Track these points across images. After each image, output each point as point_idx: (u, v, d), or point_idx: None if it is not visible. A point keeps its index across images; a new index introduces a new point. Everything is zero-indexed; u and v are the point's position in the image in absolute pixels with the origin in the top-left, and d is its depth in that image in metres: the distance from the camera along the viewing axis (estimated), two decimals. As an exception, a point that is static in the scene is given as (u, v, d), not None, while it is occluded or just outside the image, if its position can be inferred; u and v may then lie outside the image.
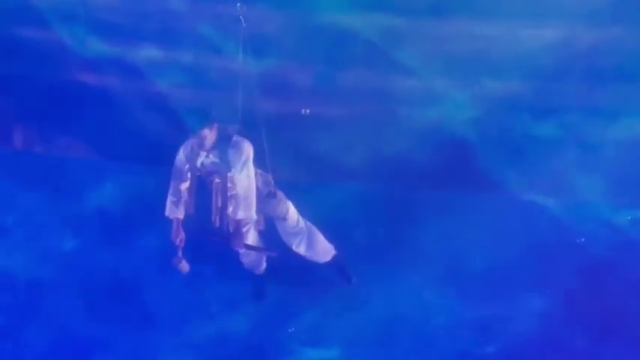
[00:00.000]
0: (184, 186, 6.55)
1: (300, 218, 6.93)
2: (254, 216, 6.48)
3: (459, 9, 7.02)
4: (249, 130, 6.45)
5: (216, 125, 6.36)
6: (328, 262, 7.13)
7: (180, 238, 6.53)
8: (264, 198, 6.63)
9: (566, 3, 7.01)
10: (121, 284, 7.39)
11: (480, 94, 7.28)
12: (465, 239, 7.24)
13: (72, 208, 7.63)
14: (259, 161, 6.51)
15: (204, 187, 6.52)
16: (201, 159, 6.49)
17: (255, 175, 6.50)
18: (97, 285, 7.36)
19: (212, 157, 6.45)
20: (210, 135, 6.35)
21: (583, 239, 7.20)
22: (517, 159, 7.41)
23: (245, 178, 6.38)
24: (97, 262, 7.43)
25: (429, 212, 7.37)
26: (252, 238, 6.71)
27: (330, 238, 7.05)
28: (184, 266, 6.54)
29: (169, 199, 6.56)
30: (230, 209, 6.48)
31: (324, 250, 7.08)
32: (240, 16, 6.32)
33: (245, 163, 6.37)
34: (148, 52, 7.36)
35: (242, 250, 6.68)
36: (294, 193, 6.80)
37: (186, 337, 7.17)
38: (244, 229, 6.50)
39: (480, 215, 7.26)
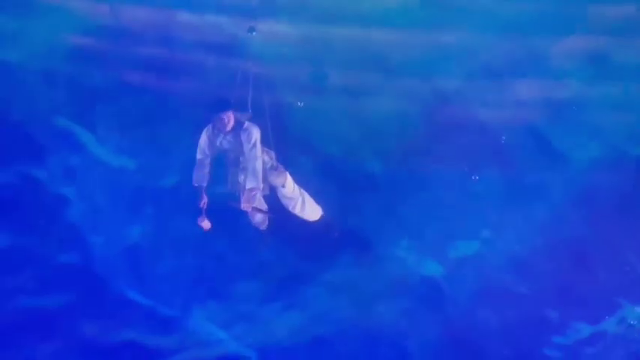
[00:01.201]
0: (207, 160, 8.37)
1: (295, 186, 8.76)
2: (261, 186, 8.23)
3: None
4: (257, 118, 8.29)
5: (232, 113, 8.19)
6: (317, 220, 9.04)
7: (203, 201, 8.34)
8: (268, 170, 8.45)
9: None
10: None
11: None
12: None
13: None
14: (265, 141, 8.32)
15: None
16: (220, 139, 8.29)
17: (262, 152, 8.31)
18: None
19: (229, 138, 8.25)
20: (231, 121, 8.17)
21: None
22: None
23: (254, 156, 8.15)
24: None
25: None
26: (258, 201, 8.53)
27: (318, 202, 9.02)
28: (206, 224, 8.34)
29: (195, 171, 8.37)
30: (241, 178, 8.30)
31: (313, 210, 8.95)
32: (252, 28, 8.22)
33: (254, 144, 8.15)
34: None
35: (250, 211, 8.51)
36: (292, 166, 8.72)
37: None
38: (252, 195, 8.27)
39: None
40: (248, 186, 8.16)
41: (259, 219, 8.88)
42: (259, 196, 8.45)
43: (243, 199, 8.22)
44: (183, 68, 9.45)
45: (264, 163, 8.31)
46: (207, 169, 8.36)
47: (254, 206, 8.35)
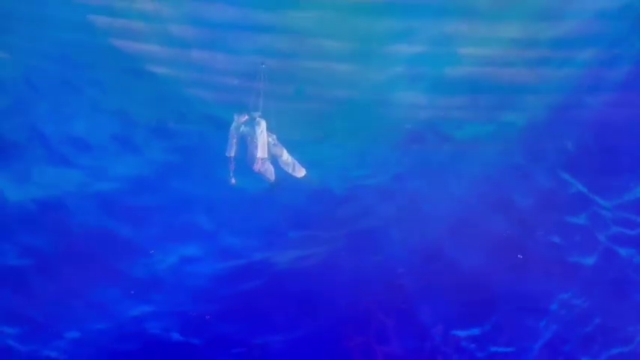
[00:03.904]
0: (234, 141, 13.70)
1: (289, 156, 14.04)
2: (266, 155, 13.56)
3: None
4: (265, 115, 13.57)
5: (248, 113, 13.54)
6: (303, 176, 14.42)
7: (232, 165, 13.68)
8: (272, 146, 13.77)
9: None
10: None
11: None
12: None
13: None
14: (270, 128, 13.64)
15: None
16: (242, 128, 13.59)
17: (268, 135, 13.64)
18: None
19: (247, 127, 13.53)
20: (246, 117, 13.53)
21: None
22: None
23: (262, 138, 13.43)
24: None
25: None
26: (267, 166, 13.87)
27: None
28: (234, 181, 13.73)
29: (228, 146, 13.60)
30: (255, 152, 13.64)
31: (300, 171, 14.28)
32: (263, 62, 13.55)
33: (262, 131, 13.44)
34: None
35: (261, 170, 13.83)
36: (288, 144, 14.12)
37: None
38: (262, 160, 13.61)
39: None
40: (258, 156, 13.49)
41: (268, 177, 14.20)
42: (267, 161, 13.82)
43: (256, 165, 13.61)
44: (222, 86, 14.91)
45: (268, 143, 13.65)
46: (234, 147, 13.64)
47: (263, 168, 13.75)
